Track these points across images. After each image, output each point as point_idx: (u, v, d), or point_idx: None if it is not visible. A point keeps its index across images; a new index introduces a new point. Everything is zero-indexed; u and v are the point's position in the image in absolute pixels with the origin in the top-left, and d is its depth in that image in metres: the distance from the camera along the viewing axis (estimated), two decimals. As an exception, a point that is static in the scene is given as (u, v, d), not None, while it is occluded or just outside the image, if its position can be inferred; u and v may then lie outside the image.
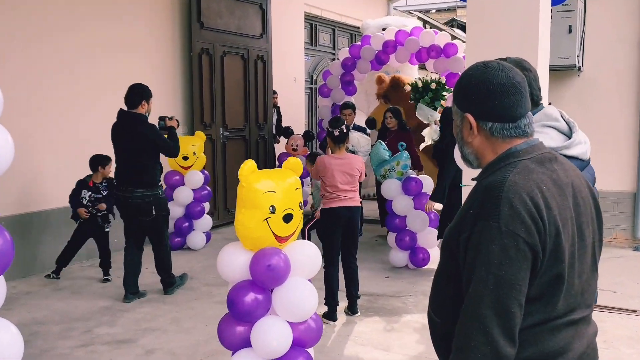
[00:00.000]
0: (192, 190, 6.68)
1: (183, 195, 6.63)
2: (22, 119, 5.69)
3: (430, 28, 15.88)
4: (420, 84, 8.03)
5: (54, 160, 6.04)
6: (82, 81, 6.30)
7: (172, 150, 5.11)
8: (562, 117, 2.21)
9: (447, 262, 1.56)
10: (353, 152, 6.08)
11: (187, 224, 6.75)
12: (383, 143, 6.17)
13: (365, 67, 8.37)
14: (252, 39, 8.49)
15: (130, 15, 6.85)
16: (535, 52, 3.34)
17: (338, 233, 4.67)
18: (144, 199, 4.95)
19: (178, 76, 7.52)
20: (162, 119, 5.35)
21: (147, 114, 5.02)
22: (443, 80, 7.86)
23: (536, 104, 2.18)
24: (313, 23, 11.06)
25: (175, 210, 6.67)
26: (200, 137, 6.73)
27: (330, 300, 4.64)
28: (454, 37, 14.15)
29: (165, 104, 7.29)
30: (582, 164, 2.13)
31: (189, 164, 6.61)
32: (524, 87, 1.52)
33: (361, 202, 4.82)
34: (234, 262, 2.86)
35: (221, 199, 8.06)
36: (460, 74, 7.33)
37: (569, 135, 2.16)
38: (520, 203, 1.40)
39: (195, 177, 6.66)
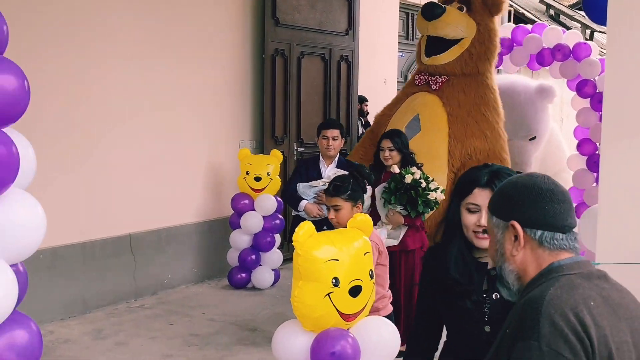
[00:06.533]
0: (263, 217, 6.70)
1: (252, 223, 6.65)
2: (59, 134, 5.83)
3: (554, 13, 15.24)
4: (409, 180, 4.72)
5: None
6: (131, 89, 6.29)
7: None
8: None
9: None
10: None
11: (253, 256, 6.75)
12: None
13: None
14: (336, 36, 8.41)
15: (193, 12, 6.91)
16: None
17: None
18: None
19: (247, 82, 7.54)
20: None
21: None
22: (433, 184, 4.80)
23: None
24: (410, 12, 10.87)
25: (242, 240, 6.71)
26: (276, 156, 6.79)
27: None
28: (585, 27, 13.50)
29: (230, 116, 7.34)
30: None
31: (261, 186, 6.65)
32: (569, 198, 1.64)
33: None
34: (292, 347, 2.81)
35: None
36: (594, 80, 7.01)
37: None
38: (563, 319, 1.47)
39: (268, 203, 6.66)
